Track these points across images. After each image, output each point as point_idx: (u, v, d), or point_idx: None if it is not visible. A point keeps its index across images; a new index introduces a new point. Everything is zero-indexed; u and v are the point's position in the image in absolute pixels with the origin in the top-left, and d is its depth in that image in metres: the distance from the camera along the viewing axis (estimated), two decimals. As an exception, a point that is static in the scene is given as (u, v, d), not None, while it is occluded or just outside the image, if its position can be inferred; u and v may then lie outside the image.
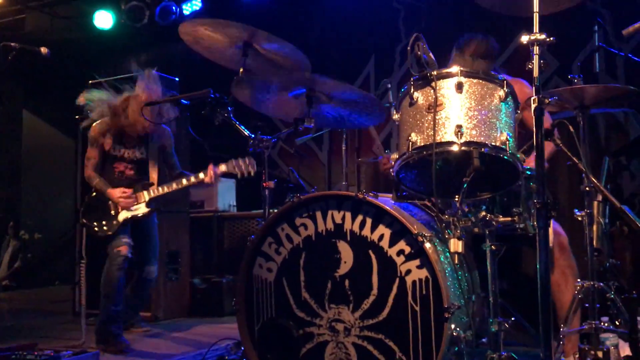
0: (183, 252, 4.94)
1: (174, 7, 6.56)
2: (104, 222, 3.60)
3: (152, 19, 6.63)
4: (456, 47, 3.04)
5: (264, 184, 2.98)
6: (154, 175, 3.78)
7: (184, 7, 6.63)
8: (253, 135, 2.98)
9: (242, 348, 2.65)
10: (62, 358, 2.90)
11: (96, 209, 3.66)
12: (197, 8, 6.61)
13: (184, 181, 3.61)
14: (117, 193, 3.60)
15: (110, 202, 3.62)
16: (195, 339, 3.90)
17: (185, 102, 3.21)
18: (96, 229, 3.61)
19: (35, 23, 7.89)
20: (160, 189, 3.67)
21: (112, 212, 3.61)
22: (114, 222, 3.60)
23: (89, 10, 7.01)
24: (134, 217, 3.63)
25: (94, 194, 3.71)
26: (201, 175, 3.54)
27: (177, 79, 4.99)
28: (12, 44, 3.22)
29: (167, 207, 4.77)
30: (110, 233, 3.58)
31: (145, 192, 3.67)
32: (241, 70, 2.87)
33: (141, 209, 3.65)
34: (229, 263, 5.35)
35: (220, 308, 4.87)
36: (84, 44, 7.24)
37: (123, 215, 3.61)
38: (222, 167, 3.44)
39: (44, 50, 3.30)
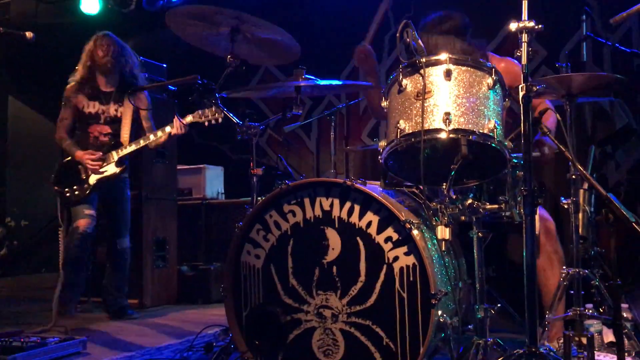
0: (170, 239, 4.93)
1: (161, -7, 6.50)
2: (75, 187, 3.58)
3: (139, 5, 6.57)
4: (421, 29, 2.95)
5: (252, 171, 2.98)
6: (125, 136, 3.74)
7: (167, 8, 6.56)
8: (241, 122, 2.97)
9: (230, 334, 2.66)
10: (48, 344, 2.89)
11: (68, 175, 3.64)
12: (185, -6, 6.55)
13: (151, 136, 3.59)
14: (85, 155, 3.57)
15: (80, 166, 3.60)
16: (183, 326, 3.90)
17: (173, 88, 3.19)
18: (68, 194, 3.59)
19: (21, 8, 7.79)
20: (128, 147, 3.64)
21: (83, 175, 3.59)
22: (85, 186, 3.57)
23: (75, -5, 6.93)
24: (104, 178, 3.59)
25: (67, 159, 3.69)
26: (167, 128, 3.53)
27: (164, 65, 4.96)
28: (-4, 28, 3.16)
29: (154, 194, 4.76)
30: (81, 197, 3.57)
31: (114, 152, 3.64)
32: (229, 57, 2.85)
33: (110, 169, 3.62)
34: (216, 250, 5.36)
35: (207, 295, 4.87)
36: (71, 29, 7.16)
37: (94, 178, 3.58)
38: (189, 118, 3.42)
39: (29, 34, 3.24)
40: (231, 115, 3.07)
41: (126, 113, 3.72)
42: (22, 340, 2.87)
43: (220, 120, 3.34)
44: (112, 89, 3.72)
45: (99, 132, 3.69)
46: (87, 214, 3.55)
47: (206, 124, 3.31)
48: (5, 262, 8.67)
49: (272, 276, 2.49)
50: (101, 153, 3.62)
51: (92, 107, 3.68)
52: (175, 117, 3.49)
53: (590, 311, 2.41)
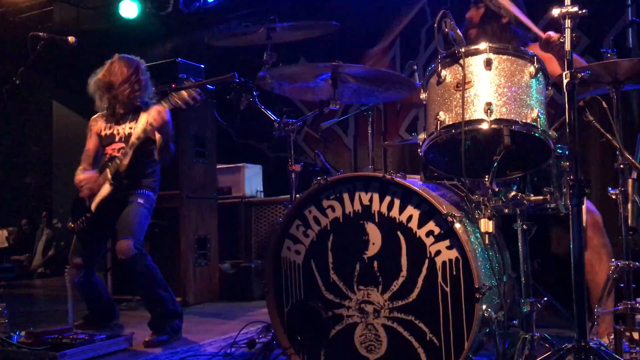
0: (211, 237, 4.99)
1: (197, -5, 6.58)
2: (83, 218, 3.37)
3: (176, 7, 6.67)
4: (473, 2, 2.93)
5: (291, 168, 2.98)
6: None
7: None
8: (279, 119, 2.97)
9: (272, 331, 2.67)
10: (96, 341, 2.96)
11: (78, 206, 3.42)
12: (221, -5, 6.62)
13: (135, 140, 3.31)
14: (80, 177, 3.37)
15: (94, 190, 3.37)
16: (225, 323, 3.94)
17: (211, 87, 3.22)
18: (72, 225, 3.40)
19: (63, 15, 8.02)
20: (118, 160, 3.33)
21: (87, 203, 3.37)
22: (88, 215, 3.36)
23: (114, 0, 7.09)
24: (102, 201, 3.32)
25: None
26: (139, 129, 3.31)
27: (202, 66, 5.01)
28: (40, 34, 3.25)
29: (195, 194, 4.82)
30: (86, 226, 3.36)
31: (107, 170, 3.36)
32: (265, 54, 2.83)
33: (105, 189, 3.33)
34: (257, 248, 5.40)
35: (249, 292, 4.92)
36: (111, 33, 7.33)
37: (94, 204, 3.34)
38: (165, 104, 3.25)
39: (71, 39, 3.33)
40: (269, 112, 3.08)
41: (137, 130, 3.46)
42: (71, 337, 2.95)
43: (196, 98, 3.17)
44: (128, 110, 3.54)
45: (112, 150, 3.48)
46: (75, 263, 3.37)
47: (183, 106, 3.17)
48: (54, 262, 8.94)
49: (313, 272, 2.49)
50: (97, 173, 3.40)
51: (109, 129, 3.52)
52: (154, 106, 3.30)
53: (642, 305, 2.33)
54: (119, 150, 3.43)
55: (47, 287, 6.94)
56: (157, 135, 3.37)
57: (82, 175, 3.43)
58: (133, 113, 3.51)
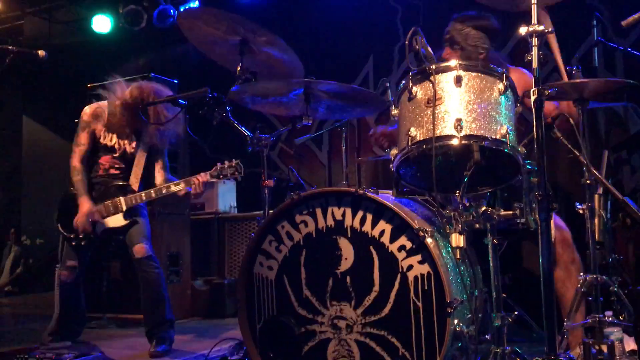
0: (184, 254, 4.94)
1: (171, 11, 6.58)
2: (86, 239, 3.40)
3: (150, 23, 6.65)
4: (456, 20, 2.98)
5: (264, 183, 2.97)
6: (134, 180, 3.51)
7: (181, 9, 6.63)
8: (252, 135, 2.97)
9: (244, 348, 2.64)
10: (63, 360, 2.89)
11: (73, 213, 3.40)
12: (195, 11, 6.61)
13: (164, 190, 3.37)
14: (83, 209, 3.35)
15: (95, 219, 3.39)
16: (197, 340, 3.89)
17: (183, 101, 3.20)
18: (73, 241, 3.42)
19: (34, 28, 7.92)
20: (138, 196, 3.41)
21: (88, 223, 3.38)
22: (92, 237, 3.41)
23: (87, 15, 7.04)
24: (110, 230, 3.41)
25: (73, 191, 3.46)
26: (182, 185, 3.33)
27: (176, 81, 4.99)
28: (9, 47, 3.20)
29: (167, 210, 4.77)
30: (86, 244, 3.40)
31: (122, 199, 3.41)
32: (238, 68, 2.85)
33: (118, 221, 3.41)
34: (230, 264, 5.35)
35: (222, 309, 4.86)
36: (83, 48, 7.27)
37: (100, 228, 3.40)
38: (207, 177, 3.31)
39: (41, 53, 3.28)
40: (242, 127, 3.07)
41: (141, 154, 3.54)
42: (37, 356, 2.87)
43: (239, 177, 3.28)
44: (134, 127, 3.54)
45: (110, 165, 3.50)
46: (69, 265, 3.38)
47: (224, 182, 3.27)
48: (21, 280, 8.73)
49: (286, 287, 2.48)
50: (103, 210, 3.41)
51: (110, 140, 3.50)
52: (196, 176, 3.33)
53: (610, 318, 2.36)
54: (118, 168, 3.51)
55: (15, 306, 6.76)
56: (184, 192, 3.43)
57: (88, 207, 3.38)
58: (140, 132, 3.53)
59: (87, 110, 3.57)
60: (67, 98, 7.02)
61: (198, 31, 2.82)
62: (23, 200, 9.22)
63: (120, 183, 3.50)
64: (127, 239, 3.45)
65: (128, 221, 3.42)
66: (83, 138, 3.51)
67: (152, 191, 3.42)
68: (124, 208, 3.40)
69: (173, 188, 3.37)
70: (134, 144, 3.56)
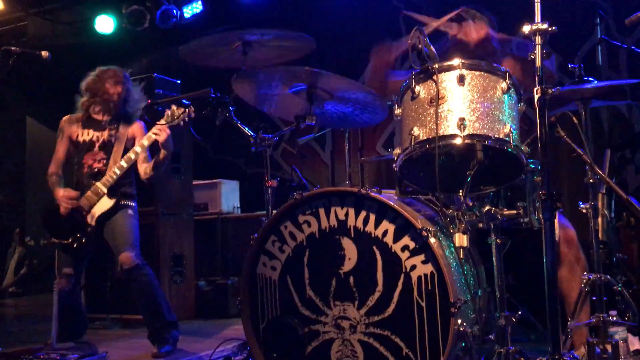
0: (187, 254, 4.94)
1: (174, 11, 6.59)
2: (78, 235, 3.35)
3: (152, 23, 6.66)
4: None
5: (267, 184, 2.97)
6: (112, 164, 3.45)
7: (184, 10, 6.65)
8: (255, 135, 2.97)
9: (248, 348, 2.64)
10: (68, 360, 2.89)
11: (60, 220, 3.38)
12: (198, 11, 6.63)
13: (132, 155, 3.37)
14: (60, 192, 3.37)
15: (77, 206, 3.36)
16: (201, 341, 3.89)
17: (187, 102, 3.20)
18: (74, 245, 3.36)
19: (37, 29, 7.92)
20: (112, 173, 3.37)
21: (79, 218, 3.35)
22: (89, 230, 3.35)
23: (90, 15, 7.05)
24: (103, 215, 3.36)
25: (55, 202, 3.44)
26: (146, 141, 3.34)
27: (178, 81, 5.00)
28: (13, 48, 3.20)
29: (170, 210, 4.78)
30: (87, 242, 3.34)
31: (99, 184, 3.39)
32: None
33: (105, 204, 3.37)
34: (233, 265, 5.36)
35: (225, 310, 4.86)
36: (86, 49, 7.27)
37: (91, 218, 3.35)
38: (162, 123, 3.28)
39: (44, 53, 3.28)
40: (245, 128, 3.07)
41: (120, 141, 3.51)
42: (42, 356, 2.88)
43: (191, 114, 3.18)
44: (109, 117, 3.56)
45: (92, 160, 3.48)
46: (64, 273, 3.37)
47: (181, 123, 3.19)
48: (26, 281, 8.75)
49: (289, 288, 2.47)
50: (78, 192, 3.38)
51: (87, 135, 3.52)
52: (152, 130, 3.34)
53: (615, 318, 2.35)
54: (100, 160, 3.47)
55: (19, 307, 6.78)
56: (162, 151, 3.41)
57: (63, 191, 3.41)
58: (115, 121, 3.51)
59: (64, 117, 3.64)
60: (70, 99, 7.03)
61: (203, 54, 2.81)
62: (27, 201, 9.25)
63: (95, 172, 3.47)
64: (112, 245, 3.41)
65: (115, 199, 3.39)
66: (58, 146, 3.61)
67: (122, 161, 3.40)
68: (105, 190, 3.38)
69: (137, 149, 3.38)
70: (112, 133, 3.55)
